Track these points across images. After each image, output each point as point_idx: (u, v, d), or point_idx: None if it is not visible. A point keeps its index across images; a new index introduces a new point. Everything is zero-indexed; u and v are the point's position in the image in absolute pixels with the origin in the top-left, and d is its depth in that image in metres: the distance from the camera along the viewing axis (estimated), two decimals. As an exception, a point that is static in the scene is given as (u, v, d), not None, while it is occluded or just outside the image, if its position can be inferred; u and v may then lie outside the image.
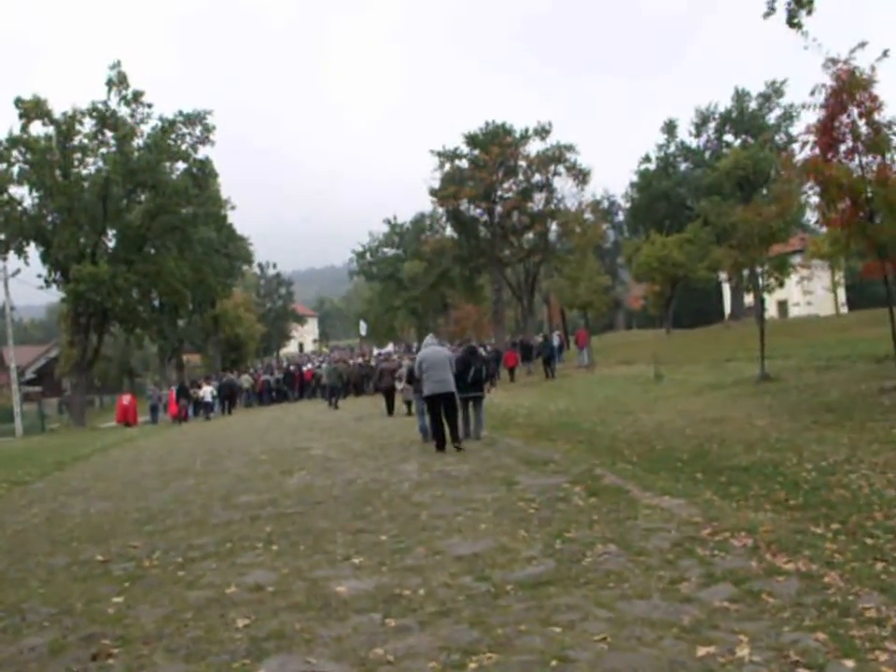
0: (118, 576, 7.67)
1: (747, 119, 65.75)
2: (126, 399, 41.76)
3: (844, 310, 65.52)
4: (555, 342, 42.46)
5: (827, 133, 17.64)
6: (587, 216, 50.83)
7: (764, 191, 56.61)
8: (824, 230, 25.57)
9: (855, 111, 17.27)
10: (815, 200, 19.77)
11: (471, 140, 52.01)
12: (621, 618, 5.26)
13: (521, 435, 16.61)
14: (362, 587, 6.46)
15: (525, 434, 16.71)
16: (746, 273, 24.50)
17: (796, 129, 60.76)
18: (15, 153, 41.61)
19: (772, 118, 65.79)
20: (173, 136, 43.98)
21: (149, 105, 43.11)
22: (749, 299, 66.59)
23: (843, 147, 17.79)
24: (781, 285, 24.15)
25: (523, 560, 6.84)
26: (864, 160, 17.46)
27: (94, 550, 8.98)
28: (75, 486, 15.74)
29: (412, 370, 18.08)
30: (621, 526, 7.74)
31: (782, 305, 67.29)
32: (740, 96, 66.12)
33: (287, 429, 24.89)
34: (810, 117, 18.55)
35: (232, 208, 56.67)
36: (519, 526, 8.07)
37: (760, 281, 23.16)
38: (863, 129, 17.33)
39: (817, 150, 18.15)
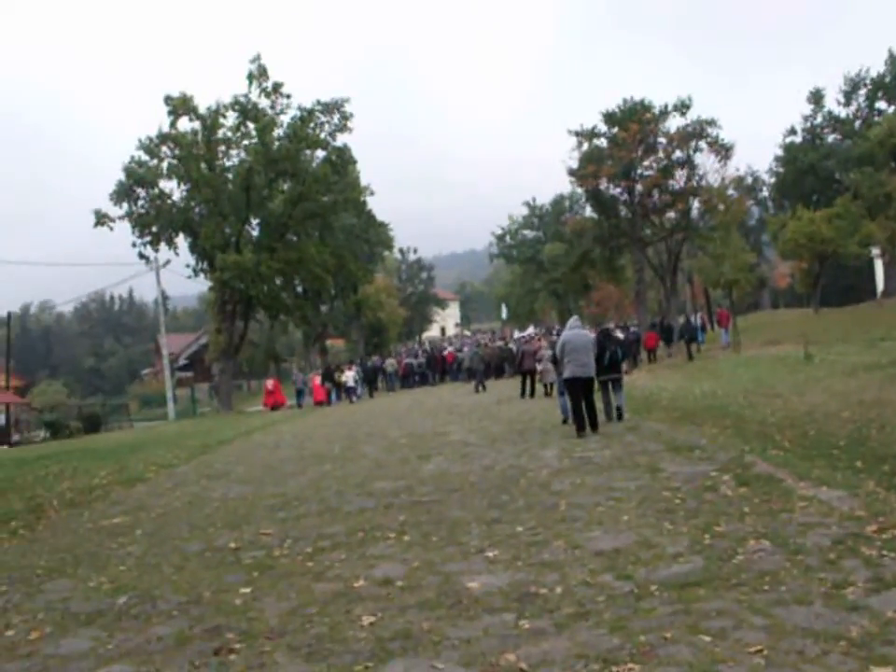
0: (247, 564, 7.57)
1: (902, 83, 61.88)
2: (270, 383, 42.84)
3: None
4: (697, 322, 41.47)
5: None
6: (730, 191, 48.96)
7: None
8: None
9: None
10: None
11: (609, 118, 50.74)
12: (779, 627, 4.73)
13: (664, 419, 15.99)
14: (496, 583, 6.11)
15: (669, 418, 16.07)
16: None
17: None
18: (164, 149, 43.00)
19: (931, 80, 61.69)
20: (311, 125, 44.39)
21: (288, 96, 43.70)
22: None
23: None
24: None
25: (668, 557, 6.34)
26: None
27: (228, 536, 8.95)
28: (217, 470, 15.97)
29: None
30: (775, 520, 7.13)
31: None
32: (895, 59, 62.25)
33: (427, 413, 24.82)
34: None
35: (371, 194, 57.04)
36: (664, 519, 7.56)
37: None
38: None
39: None
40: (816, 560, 5.90)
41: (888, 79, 61.76)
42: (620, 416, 16.16)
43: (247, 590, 6.64)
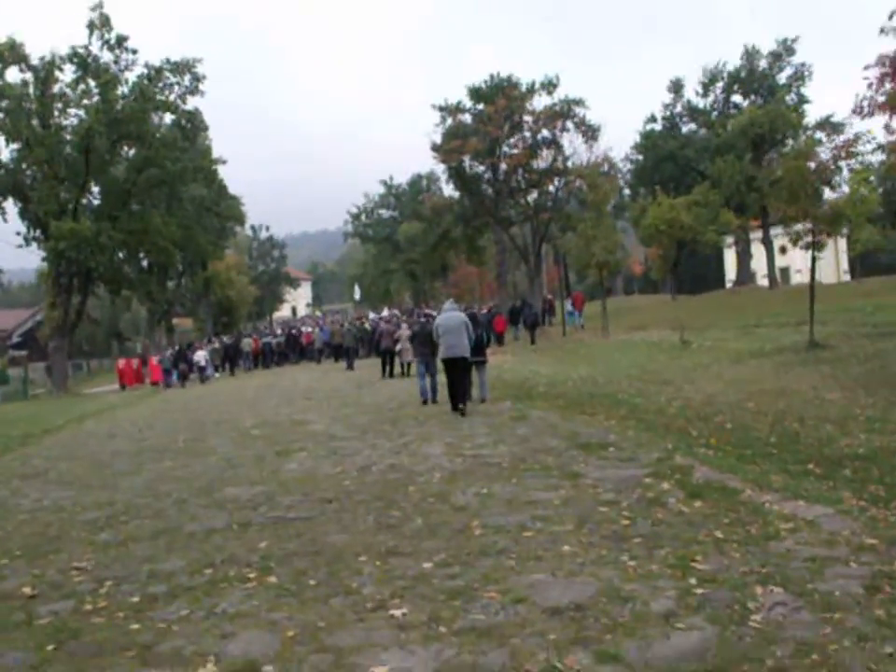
0: (41, 629, 5.17)
1: (756, 78, 62.90)
2: (121, 362, 42.08)
3: (846, 278, 63.67)
4: (542, 306, 41.55)
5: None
6: (602, 169, 48.14)
7: (773, 154, 54.40)
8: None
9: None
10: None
11: (475, 93, 49.24)
12: None
13: (550, 407, 14.57)
14: (414, 670, 4.02)
15: (555, 406, 14.66)
16: (795, 228, 21.49)
17: (809, 89, 59.35)
18: (-11, 101, 38.76)
19: (783, 77, 62.90)
20: (160, 85, 40.93)
21: (134, 52, 39.88)
22: (754, 264, 64.77)
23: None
24: (822, 246, 21.49)
25: (658, 619, 4.39)
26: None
27: (25, 574, 6.55)
28: (35, 467, 13.42)
29: (415, 333, 19.36)
30: (767, 552, 5.41)
31: (784, 272, 65.08)
32: (750, 54, 63.09)
33: (283, 398, 22.56)
34: (882, 46, 16.22)
35: (223, 163, 53.67)
36: (618, 549, 5.72)
37: (811, 237, 20.50)
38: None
39: (887, 85, 15.81)
40: (859, 620, 4.19)
41: (742, 74, 62.77)
42: (483, 399, 16.47)
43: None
